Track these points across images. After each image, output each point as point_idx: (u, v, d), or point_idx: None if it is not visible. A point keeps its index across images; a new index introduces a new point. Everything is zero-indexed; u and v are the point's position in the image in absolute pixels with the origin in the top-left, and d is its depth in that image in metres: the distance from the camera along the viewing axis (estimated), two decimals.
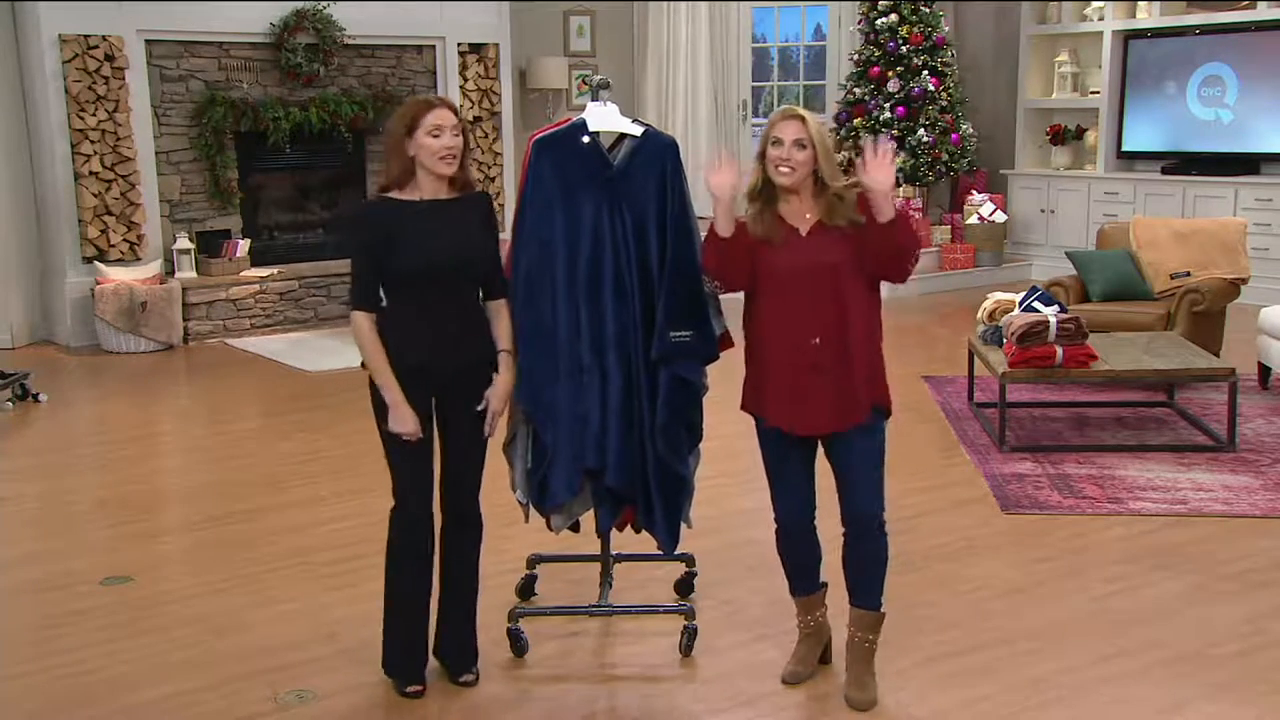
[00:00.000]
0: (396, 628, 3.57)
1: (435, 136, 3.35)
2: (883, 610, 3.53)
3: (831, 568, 3.60)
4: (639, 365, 3.62)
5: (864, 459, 3.44)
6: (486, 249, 3.49)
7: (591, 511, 3.80)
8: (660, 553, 3.81)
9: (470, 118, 9.98)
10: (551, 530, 3.82)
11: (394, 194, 3.43)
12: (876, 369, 3.46)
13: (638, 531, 3.85)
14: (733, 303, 3.62)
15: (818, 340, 3.37)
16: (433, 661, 3.64)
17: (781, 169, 3.36)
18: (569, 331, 3.59)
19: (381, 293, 3.42)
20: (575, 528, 3.86)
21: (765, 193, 3.42)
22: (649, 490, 3.68)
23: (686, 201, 3.65)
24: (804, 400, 3.42)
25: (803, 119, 3.35)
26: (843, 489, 3.48)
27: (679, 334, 3.59)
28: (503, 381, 3.52)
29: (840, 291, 3.37)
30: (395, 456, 3.47)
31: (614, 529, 3.85)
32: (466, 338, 3.47)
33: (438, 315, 3.41)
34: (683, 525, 3.80)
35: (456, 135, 3.38)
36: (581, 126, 3.61)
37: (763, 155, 3.40)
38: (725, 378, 3.84)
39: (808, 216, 3.40)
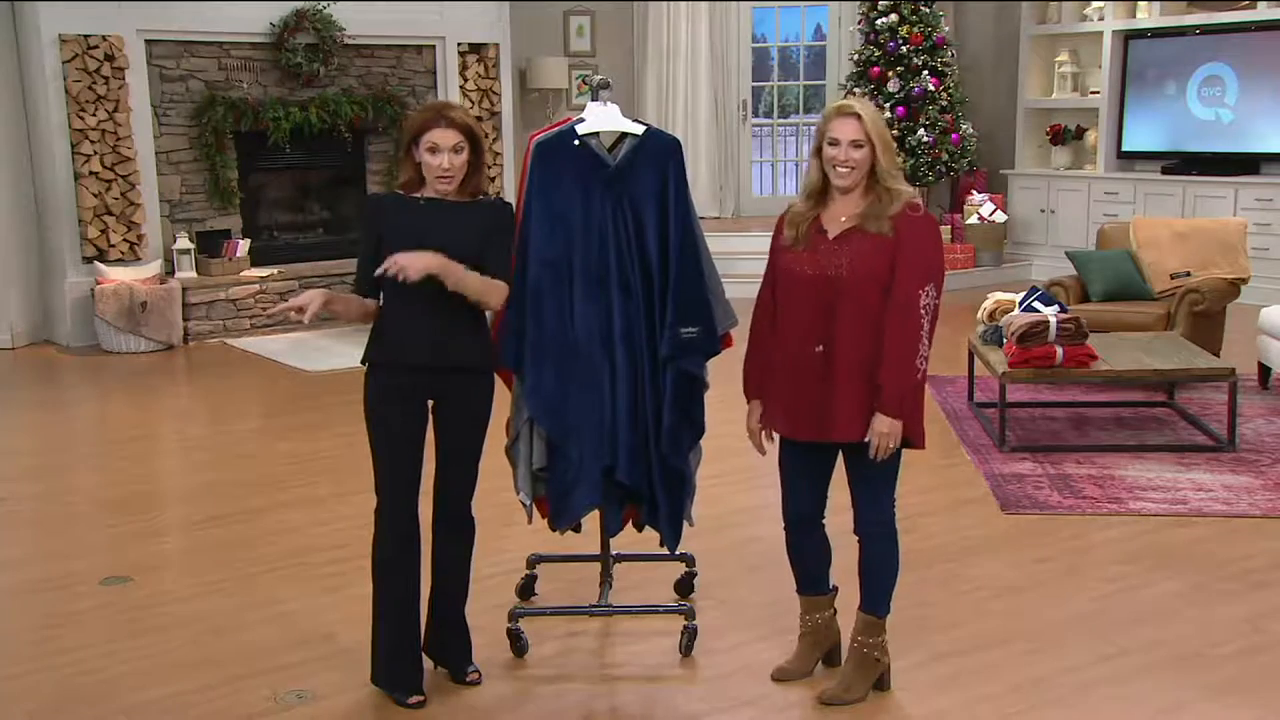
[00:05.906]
0: (389, 637, 3.52)
1: (431, 153, 3.33)
2: (881, 617, 3.51)
3: (845, 571, 3.59)
4: (644, 361, 3.62)
5: (860, 472, 3.40)
6: (485, 253, 3.39)
7: (596, 512, 3.79)
8: (659, 552, 3.80)
9: None
10: (554, 530, 3.82)
11: (403, 191, 3.46)
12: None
13: (639, 529, 3.85)
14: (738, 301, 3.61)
15: (820, 349, 3.32)
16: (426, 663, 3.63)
17: (840, 169, 3.27)
18: (575, 330, 3.58)
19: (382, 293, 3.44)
20: (577, 528, 3.86)
21: (824, 189, 3.33)
22: (653, 486, 3.68)
23: (689, 199, 3.65)
24: (799, 405, 3.39)
25: (859, 116, 3.25)
26: (851, 494, 3.48)
27: (688, 330, 3.60)
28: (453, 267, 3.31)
29: (844, 303, 3.27)
30: (378, 452, 3.45)
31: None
32: (460, 341, 3.44)
33: (433, 316, 3.39)
34: (684, 523, 3.80)
35: (459, 153, 3.32)
36: (570, 132, 3.60)
37: (818, 152, 3.31)
38: (726, 377, 3.83)
39: (843, 219, 3.31)
